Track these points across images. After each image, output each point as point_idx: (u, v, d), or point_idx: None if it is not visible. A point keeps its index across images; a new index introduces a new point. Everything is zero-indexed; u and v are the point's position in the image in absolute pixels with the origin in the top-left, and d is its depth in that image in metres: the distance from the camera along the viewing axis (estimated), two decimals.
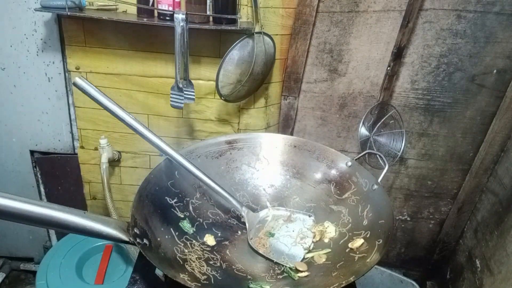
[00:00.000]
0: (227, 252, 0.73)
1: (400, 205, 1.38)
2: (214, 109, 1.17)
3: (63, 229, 0.55)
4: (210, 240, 0.75)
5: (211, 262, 0.69)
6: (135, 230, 0.61)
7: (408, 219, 1.40)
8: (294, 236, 0.77)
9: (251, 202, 0.86)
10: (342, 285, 0.59)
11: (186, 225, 0.75)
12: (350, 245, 0.71)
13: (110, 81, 1.12)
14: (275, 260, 0.72)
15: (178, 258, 0.66)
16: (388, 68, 1.10)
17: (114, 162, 1.25)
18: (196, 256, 0.69)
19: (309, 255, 0.73)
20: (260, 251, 0.74)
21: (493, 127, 1.17)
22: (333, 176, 0.86)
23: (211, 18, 1.00)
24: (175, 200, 0.78)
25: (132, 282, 0.70)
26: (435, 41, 1.09)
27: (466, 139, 1.23)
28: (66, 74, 1.15)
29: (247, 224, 0.79)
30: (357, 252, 0.69)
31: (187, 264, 0.66)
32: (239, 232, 0.79)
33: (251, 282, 0.65)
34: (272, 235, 0.78)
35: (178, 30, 0.90)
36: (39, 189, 1.35)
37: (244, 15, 1.03)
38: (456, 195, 1.32)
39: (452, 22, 1.06)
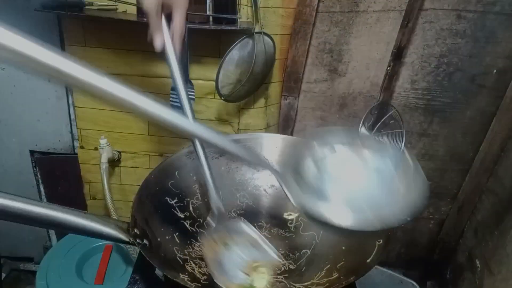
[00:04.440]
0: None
1: None
2: (214, 109, 1.17)
3: (63, 229, 0.54)
4: None
5: None
6: (135, 231, 0.61)
7: (408, 219, 1.40)
8: (245, 263, 0.66)
9: (251, 203, 0.86)
10: (342, 285, 0.59)
11: (186, 225, 0.75)
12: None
13: None
14: (211, 273, 0.63)
15: (178, 259, 0.66)
16: (388, 68, 1.10)
17: (114, 162, 1.24)
18: (196, 256, 0.69)
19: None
20: (205, 255, 0.66)
21: (493, 127, 1.17)
22: None
23: (211, 18, 1.00)
24: (175, 200, 0.78)
25: (132, 282, 0.70)
26: (435, 41, 1.09)
27: (466, 139, 1.23)
28: None
29: (213, 221, 0.71)
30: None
31: (187, 264, 0.66)
32: None
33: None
34: (226, 245, 0.69)
35: None
36: (39, 189, 1.35)
37: (244, 15, 1.03)
38: (456, 195, 1.32)
39: (452, 22, 1.06)
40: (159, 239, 0.67)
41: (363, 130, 1.16)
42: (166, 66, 1.08)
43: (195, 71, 1.09)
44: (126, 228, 0.60)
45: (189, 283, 0.58)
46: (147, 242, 0.62)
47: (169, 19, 0.67)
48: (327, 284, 0.62)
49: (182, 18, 0.67)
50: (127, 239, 0.58)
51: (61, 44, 1.10)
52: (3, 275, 1.44)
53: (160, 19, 0.66)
